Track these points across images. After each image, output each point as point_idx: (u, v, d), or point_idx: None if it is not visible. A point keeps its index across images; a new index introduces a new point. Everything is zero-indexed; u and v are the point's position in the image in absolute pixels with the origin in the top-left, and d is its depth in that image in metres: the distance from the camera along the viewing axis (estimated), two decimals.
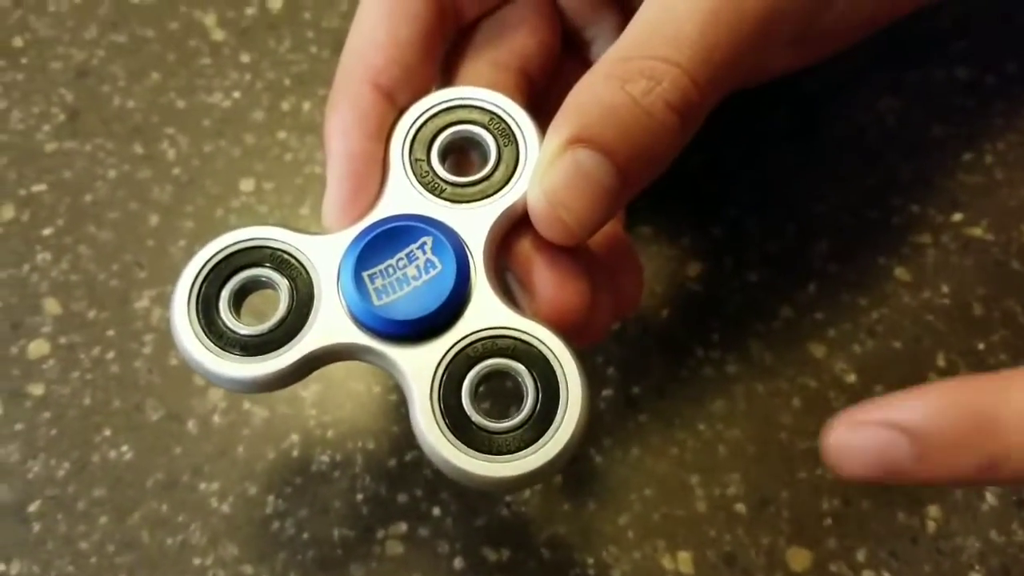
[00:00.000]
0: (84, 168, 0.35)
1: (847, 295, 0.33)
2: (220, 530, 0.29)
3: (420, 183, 0.25)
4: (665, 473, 0.30)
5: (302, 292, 0.24)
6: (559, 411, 0.23)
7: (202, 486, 0.30)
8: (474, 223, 0.24)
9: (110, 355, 0.32)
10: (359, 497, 0.30)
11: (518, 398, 0.23)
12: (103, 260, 0.33)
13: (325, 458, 0.30)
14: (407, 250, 0.23)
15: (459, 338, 0.23)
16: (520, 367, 0.23)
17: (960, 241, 0.34)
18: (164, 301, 0.32)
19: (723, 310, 0.33)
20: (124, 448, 0.30)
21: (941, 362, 0.32)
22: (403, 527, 0.29)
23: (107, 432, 0.31)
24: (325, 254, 0.24)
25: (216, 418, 0.31)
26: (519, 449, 0.22)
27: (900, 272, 0.33)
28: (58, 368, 0.31)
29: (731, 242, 0.34)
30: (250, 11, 0.38)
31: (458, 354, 0.23)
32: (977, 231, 0.34)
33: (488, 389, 0.24)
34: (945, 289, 0.33)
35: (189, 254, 0.33)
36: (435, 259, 0.23)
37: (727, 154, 0.35)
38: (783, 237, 0.34)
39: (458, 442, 0.22)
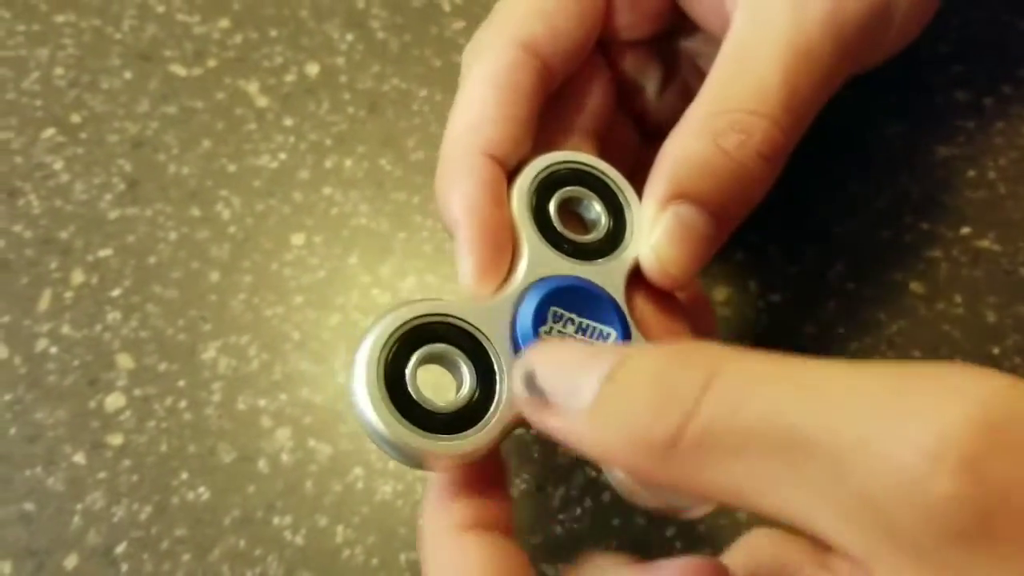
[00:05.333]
0: (146, 232, 0.37)
1: (866, 311, 0.35)
2: (295, 561, 0.31)
3: (550, 243, 0.26)
4: None
5: (480, 362, 0.24)
6: None
7: (276, 520, 0.32)
8: (609, 278, 0.26)
9: (182, 404, 0.34)
10: (421, 523, 0.32)
11: None
12: (170, 316, 0.36)
13: (388, 488, 0.32)
14: (576, 310, 0.24)
15: None
16: None
17: (970, 254, 0.36)
18: (229, 351, 0.35)
19: (751, 331, 0.35)
20: (201, 489, 0.33)
21: None
22: None
23: (184, 476, 0.33)
24: (492, 321, 0.24)
25: (284, 457, 0.33)
26: None
27: (915, 286, 0.35)
28: (135, 419, 0.34)
29: (755, 267, 0.36)
30: (289, 78, 0.41)
31: None
32: (985, 243, 0.36)
33: None
34: (958, 299, 0.35)
35: (249, 306, 0.36)
36: (600, 315, 0.25)
37: None
38: (803, 259, 0.36)
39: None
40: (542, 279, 0.25)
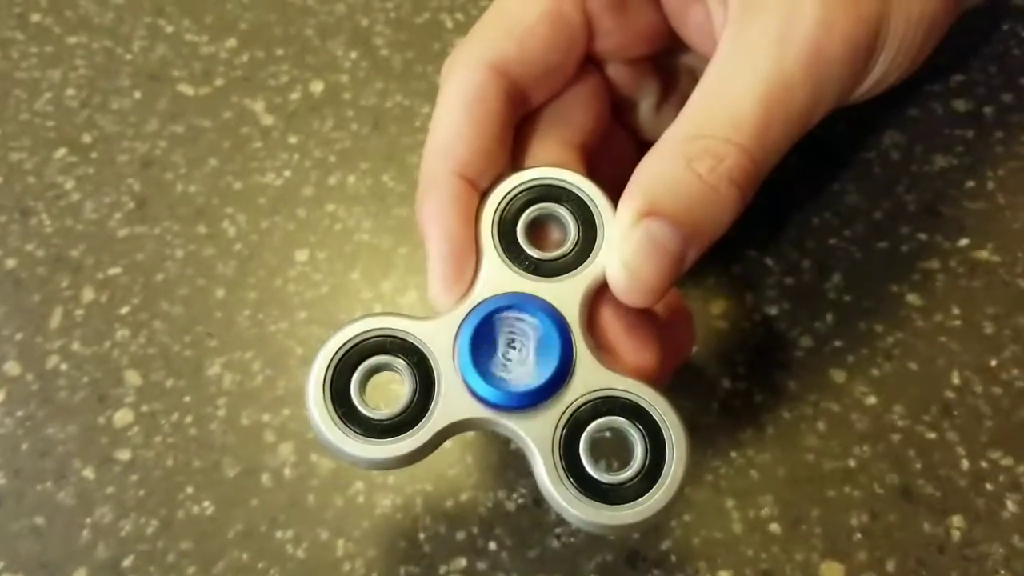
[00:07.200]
0: (154, 250, 0.38)
1: (863, 322, 0.35)
2: (297, 574, 0.32)
3: (511, 260, 0.27)
4: (702, 499, 0.33)
5: (422, 374, 0.26)
6: (667, 461, 0.25)
7: (278, 534, 0.33)
8: (566, 295, 0.26)
9: (188, 419, 0.35)
10: (421, 536, 0.32)
11: (622, 449, 0.25)
12: (176, 333, 0.36)
13: (388, 502, 0.33)
14: (514, 327, 0.26)
15: (570, 402, 0.25)
16: (626, 422, 0.25)
17: (968, 265, 0.36)
18: (234, 367, 0.35)
19: (747, 343, 0.35)
20: (206, 503, 0.33)
21: (956, 380, 0.34)
22: (463, 562, 0.32)
23: (190, 490, 0.34)
24: (438, 336, 0.26)
25: (287, 471, 0.34)
26: (636, 497, 0.25)
27: (912, 298, 0.36)
28: (142, 434, 0.35)
29: (751, 279, 0.36)
30: (294, 96, 0.42)
31: (572, 416, 0.25)
32: (983, 254, 0.36)
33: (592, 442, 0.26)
34: (956, 311, 0.35)
35: (254, 322, 0.36)
36: (541, 333, 0.26)
37: None
38: (799, 271, 0.36)
39: (583, 496, 0.25)
40: (492, 297, 0.26)
